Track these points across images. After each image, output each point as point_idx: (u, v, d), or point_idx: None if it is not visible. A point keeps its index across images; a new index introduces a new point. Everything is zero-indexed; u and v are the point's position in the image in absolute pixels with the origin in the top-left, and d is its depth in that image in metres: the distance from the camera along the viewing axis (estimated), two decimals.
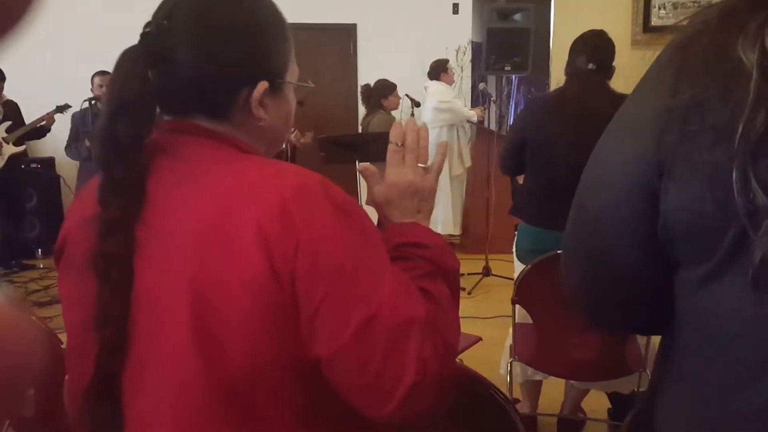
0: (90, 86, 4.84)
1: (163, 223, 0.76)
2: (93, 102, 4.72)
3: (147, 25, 0.80)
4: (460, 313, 0.87)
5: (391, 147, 0.93)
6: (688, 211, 0.62)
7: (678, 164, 0.62)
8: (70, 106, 5.01)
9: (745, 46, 0.57)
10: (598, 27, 2.46)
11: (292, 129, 4.76)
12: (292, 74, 0.88)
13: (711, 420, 0.66)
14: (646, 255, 0.69)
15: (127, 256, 0.75)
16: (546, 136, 2.37)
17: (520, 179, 2.79)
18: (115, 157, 0.77)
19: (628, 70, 1.91)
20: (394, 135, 0.93)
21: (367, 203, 0.95)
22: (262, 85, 0.82)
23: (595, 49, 2.39)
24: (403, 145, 0.93)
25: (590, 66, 2.37)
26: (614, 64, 2.41)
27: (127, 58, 0.79)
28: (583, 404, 2.65)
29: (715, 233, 0.60)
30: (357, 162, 3.57)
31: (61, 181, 5.70)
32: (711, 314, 0.64)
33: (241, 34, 0.81)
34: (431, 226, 0.93)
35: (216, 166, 0.79)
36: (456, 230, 5.57)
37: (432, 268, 0.84)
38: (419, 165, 0.93)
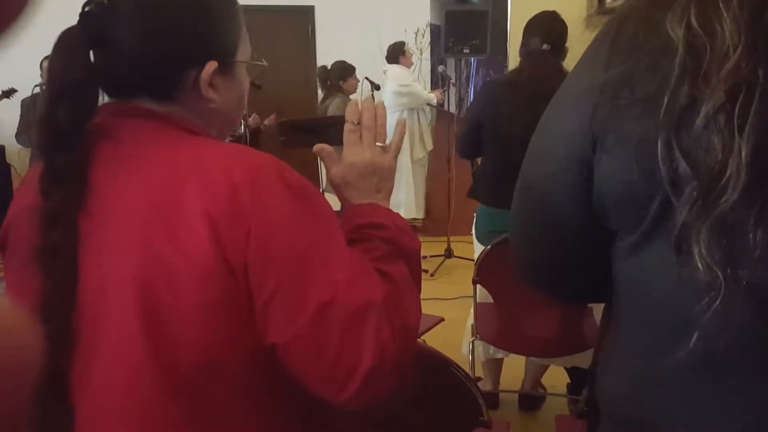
0: (39, 71, 4.68)
1: (107, 211, 0.73)
2: (44, 87, 4.58)
3: (86, 3, 0.77)
4: (423, 295, 0.86)
5: (347, 126, 0.91)
6: (617, 182, 0.65)
7: (609, 136, 0.65)
8: (16, 91, 4.83)
9: (672, 22, 0.59)
10: (554, 8, 2.49)
11: (251, 113, 4.70)
12: (243, 53, 0.85)
13: (639, 379, 0.70)
14: (585, 225, 0.71)
15: (70, 248, 0.72)
16: (501, 117, 2.40)
17: (479, 161, 2.81)
18: (56, 145, 0.74)
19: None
20: (350, 114, 0.91)
21: (326, 190, 0.94)
22: (211, 65, 0.79)
23: (548, 30, 2.41)
24: (359, 124, 0.91)
25: (544, 47, 2.40)
26: (568, 44, 2.44)
27: (66, 39, 0.75)
28: (543, 380, 2.72)
29: (642, 202, 0.63)
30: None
31: (12, 170, 5.51)
32: (640, 280, 0.67)
33: (186, 12, 0.78)
34: (393, 210, 0.91)
35: (162, 149, 0.76)
36: (419, 214, 5.60)
37: (391, 249, 0.83)
38: (377, 144, 0.91)
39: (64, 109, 0.73)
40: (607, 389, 0.75)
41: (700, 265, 0.57)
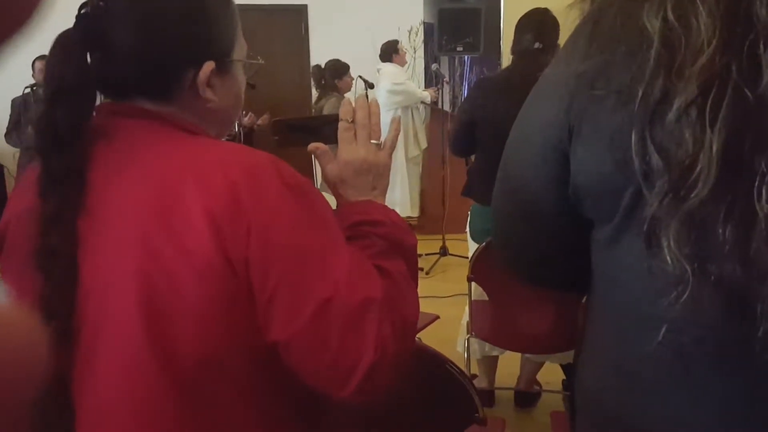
0: (31, 72, 4.66)
1: (106, 212, 0.74)
2: (34, 88, 4.55)
3: (83, 6, 0.77)
4: (419, 293, 0.86)
5: (341, 125, 0.91)
6: (592, 172, 0.65)
7: (584, 127, 0.65)
8: None
9: (649, 15, 0.59)
10: (546, 6, 2.49)
11: (246, 112, 4.68)
12: (240, 51, 0.85)
13: (608, 375, 0.70)
14: (562, 214, 0.72)
15: (69, 250, 0.72)
16: (494, 115, 2.40)
17: (474, 158, 2.82)
18: (54, 147, 0.74)
19: None
20: (344, 112, 0.91)
21: (321, 188, 0.94)
22: (209, 66, 0.79)
23: (540, 28, 2.42)
24: (353, 122, 0.91)
25: (536, 45, 2.40)
26: (559, 42, 2.45)
27: (63, 41, 0.75)
28: (539, 376, 2.72)
29: (615, 193, 0.63)
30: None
31: (5, 171, 5.47)
32: (615, 272, 0.68)
33: (182, 12, 0.79)
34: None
35: (159, 149, 0.76)
36: (414, 212, 5.60)
37: (388, 245, 0.83)
38: (372, 141, 0.91)
39: (61, 112, 0.74)
40: (585, 383, 0.76)
41: (669, 258, 0.58)
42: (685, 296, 0.58)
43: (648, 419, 0.67)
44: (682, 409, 0.64)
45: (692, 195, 0.56)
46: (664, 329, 0.61)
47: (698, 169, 0.56)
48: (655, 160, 0.58)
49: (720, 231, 0.56)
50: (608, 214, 0.66)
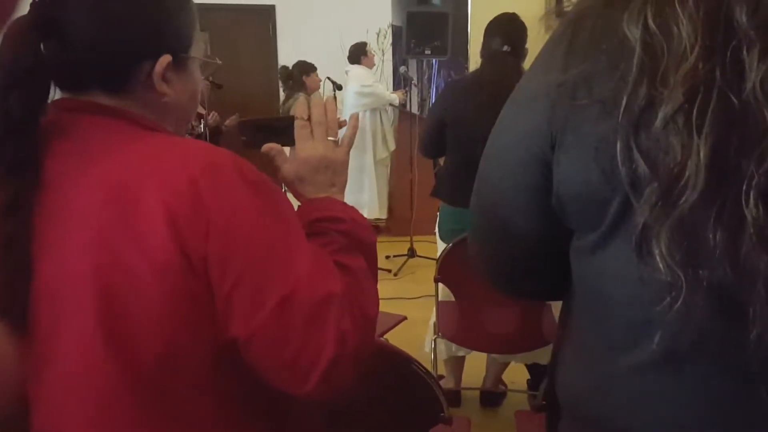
0: None
1: (63, 209, 0.72)
2: None
3: None
4: (387, 294, 0.88)
5: (297, 122, 0.91)
6: (576, 182, 0.65)
7: (567, 137, 0.65)
8: None
9: (629, 23, 0.59)
10: (512, 11, 2.53)
11: (209, 112, 4.64)
12: (197, 51, 0.85)
13: (598, 378, 0.70)
14: (543, 224, 0.72)
15: (23, 240, 0.71)
16: (464, 117, 2.43)
17: (442, 160, 2.84)
18: (7, 135, 0.72)
19: None
20: (299, 110, 0.92)
21: (288, 189, 0.94)
22: (165, 58, 0.78)
23: (508, 31, 2.46)
24: (309, 119, 0.91)
25: (505, 48, 2.44)
26: (527, 46, 2.49)
27: (17, 28, 0.74)
28: (504, 376, 2.75)
29: (602, 202, 0.63)
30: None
31: None
32: (601, 279, 0.68)
33: (140, 3, 0.78)
34: (351, 207, 0.91)
35: (117, 145, 0.75)
36: (382, 214, 5.61)
37: (348, 241, 0.84)
38: (329, 138, 0.92)
39: (14, 99, 0.72)
40: (569, 387, 0.76)
41: (661, 265, 0.57)
42: (678, 303, 0.57)
43: (637, 421, 0.67)
44: (676, 410, 0.64)
45: (681, 202, 0.56)
46: (658, 336, 0.61)
47: (687, 175, 0.55)
48: (642, 168, 0.58)
49: (710, 236, 0.56)
50: (594, 222, 0.65)
